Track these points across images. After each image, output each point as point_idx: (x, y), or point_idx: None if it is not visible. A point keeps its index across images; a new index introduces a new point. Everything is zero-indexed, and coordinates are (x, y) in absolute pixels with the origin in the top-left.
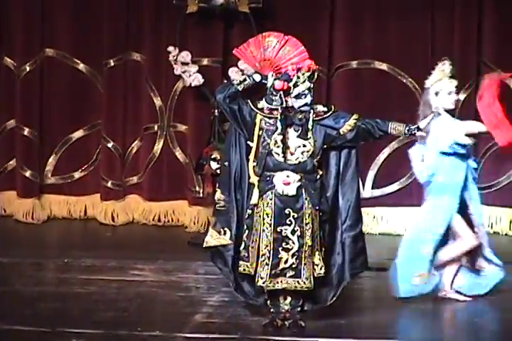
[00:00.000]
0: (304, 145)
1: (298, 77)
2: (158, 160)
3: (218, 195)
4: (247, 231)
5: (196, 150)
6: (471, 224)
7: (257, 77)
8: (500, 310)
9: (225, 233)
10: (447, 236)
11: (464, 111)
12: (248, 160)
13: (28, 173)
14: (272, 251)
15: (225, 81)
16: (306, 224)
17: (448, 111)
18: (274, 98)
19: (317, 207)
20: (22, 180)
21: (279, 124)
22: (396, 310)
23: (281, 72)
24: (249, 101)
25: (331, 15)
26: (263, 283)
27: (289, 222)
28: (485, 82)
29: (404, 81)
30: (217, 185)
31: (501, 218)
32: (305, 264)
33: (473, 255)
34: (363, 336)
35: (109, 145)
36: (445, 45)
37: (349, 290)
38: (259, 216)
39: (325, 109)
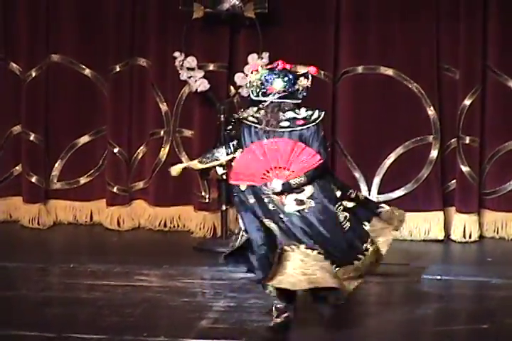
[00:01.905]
0: None
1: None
2: (164, 166)
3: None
4: None
5: None
6: None
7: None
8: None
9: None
10: None
11: (470, 116)
12: None
13: (33, 179)
14: None
15: (232, 89)
16: None
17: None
18: None
19: None
20: (28, 186)
21: None
22: (401, 316)
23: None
24: None
25: (336, 21)
26: None
27: None
28: None
29: (410, 86)
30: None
31: (507, 223)
32: None
33: None
34: None
35: (115, 150)
36: (450, 50)
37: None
38: None
39: (305, 116)
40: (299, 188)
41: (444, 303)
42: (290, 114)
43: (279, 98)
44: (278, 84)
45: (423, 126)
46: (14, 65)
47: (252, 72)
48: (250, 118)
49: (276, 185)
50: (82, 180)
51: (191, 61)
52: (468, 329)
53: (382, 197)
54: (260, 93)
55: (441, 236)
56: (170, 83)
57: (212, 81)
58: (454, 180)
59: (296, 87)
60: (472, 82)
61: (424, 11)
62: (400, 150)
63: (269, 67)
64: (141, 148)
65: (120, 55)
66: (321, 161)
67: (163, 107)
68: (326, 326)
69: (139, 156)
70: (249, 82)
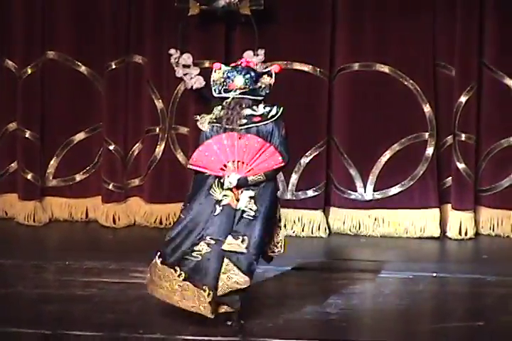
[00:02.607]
0: None
1: None
2: (160, 163)
3: (251, 204)
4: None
5: None
6: None
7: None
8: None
9: (242, 241)
10: None
11: (466, 114)
12: None
13: (29, 176)
14: None
15: None
16: None
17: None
18: None
19: None
20: (23, 183)
21: None
22: (396, 313)
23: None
24: None
25: (332, 18)
26: None
27: None
28: None
29: (406, 83)
30: (252, 195)
31: (503, 220)
32: None
33: None
34: (363, 339)
35: (111, 147)
36: (446, 48)
37: (348, 293)
38: None
39: (262, 113)
40: (254, 186)
41: (437, 300)
42: (248, 112)
43: (241, 94)
44: (239, 81)
45: (419, 123)
46: (10, 62)
47: (215, 71)
48: (210, 121)
49: (233, 179)
50: (78, 177)
51: (187, 58)
52: (464, 326)
53: (378, 194)
54: (222, 90)
55: (436, 233)
56: (165, 80)
57: (207, 78)
58: (450, 177)
59: (259, 84)
60: (468, 79)
61: (421, 8)
62: (395, 148)
63: (232, 64)
64: (137, 145)
65: (116, 52)
66: (283, 164)
67: (159, 104)
68: (320, 322)
69: (135, 153)
70: (213, 80)
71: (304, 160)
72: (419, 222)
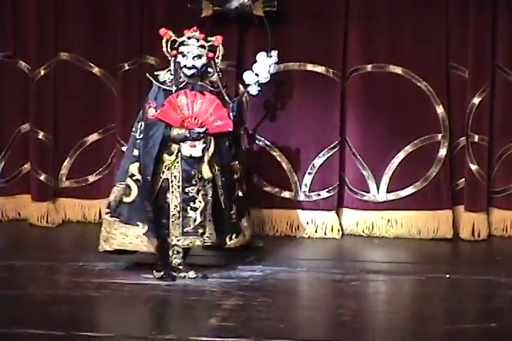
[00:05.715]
0: None
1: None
2: None
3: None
4: None
5: None
6: None
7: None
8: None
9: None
10: None
11: (479, 115)
12: None
13: (42, 177)
14: (181, 211)
15: (241, 87)
16: (208, 183)
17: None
18: None
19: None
20: (36, 184)
21: None
22: (409, 315)
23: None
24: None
25: (345, 19)
26: (177, 241)
27: (194, 183)
28: None
29: (419, 84)
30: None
31: None
32: (209, 221)
33: None
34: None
35: (124, 148)
36: (459, 49)
37: (361, 294)
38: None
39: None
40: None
41: (450, 302)
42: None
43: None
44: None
45: (432, 125)
46: (23, 63)
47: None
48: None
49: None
50: (91, 178)
51: None
52: (477, 328)
53: (391, 196)
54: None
55: (449, 234)
56: None
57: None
58: (463, 179)
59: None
60: (481, 81)
61: (433, 9)
62: (408, 149)
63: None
64: None
65: (129, 53)
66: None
67: None
68: (333, 323)
69: None
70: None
71: (317, 162)
72: (432, 224)
